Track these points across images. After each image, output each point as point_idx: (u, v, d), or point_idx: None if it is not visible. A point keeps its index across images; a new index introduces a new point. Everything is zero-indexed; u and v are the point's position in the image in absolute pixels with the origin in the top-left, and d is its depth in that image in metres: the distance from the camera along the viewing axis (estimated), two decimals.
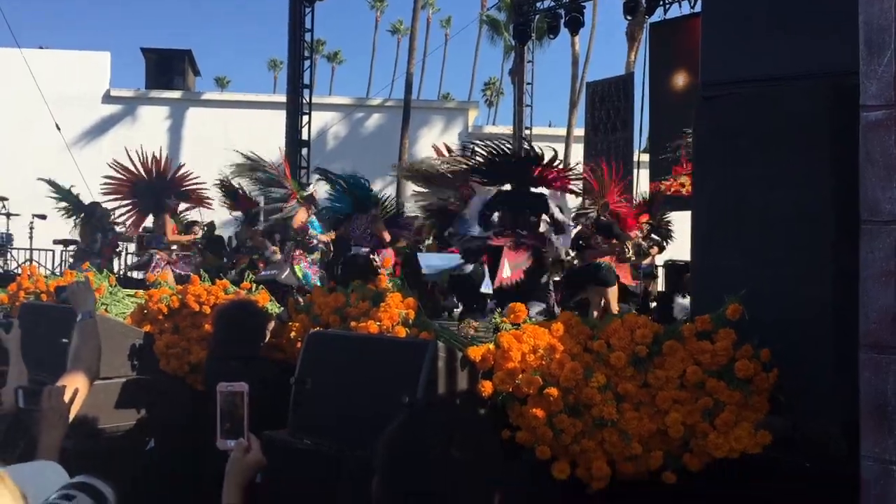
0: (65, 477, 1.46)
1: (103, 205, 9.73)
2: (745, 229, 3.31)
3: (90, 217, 9.73)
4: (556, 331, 3.20)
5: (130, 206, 9.40)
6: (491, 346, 3.16)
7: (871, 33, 2.42)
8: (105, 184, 9.24)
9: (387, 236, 8.41)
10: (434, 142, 24.95)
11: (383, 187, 21.60)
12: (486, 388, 3.09)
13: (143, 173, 9.20)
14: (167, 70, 25.27)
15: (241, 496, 1.82)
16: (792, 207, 3.18)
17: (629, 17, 16.88)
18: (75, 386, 2.38)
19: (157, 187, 9.28)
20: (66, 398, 2.29)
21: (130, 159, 9.17)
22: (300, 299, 4.67)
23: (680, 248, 11.49)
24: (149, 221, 9.94)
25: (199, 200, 9.62)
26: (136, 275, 11.08)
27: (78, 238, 10.26)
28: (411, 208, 9.31)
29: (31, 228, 14.93)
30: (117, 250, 11.26)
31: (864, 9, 2.40)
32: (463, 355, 3.15)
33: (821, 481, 2.82)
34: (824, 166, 3.09)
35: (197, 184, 9.60)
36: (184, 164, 9.70)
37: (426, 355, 3.04)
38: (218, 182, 9.91)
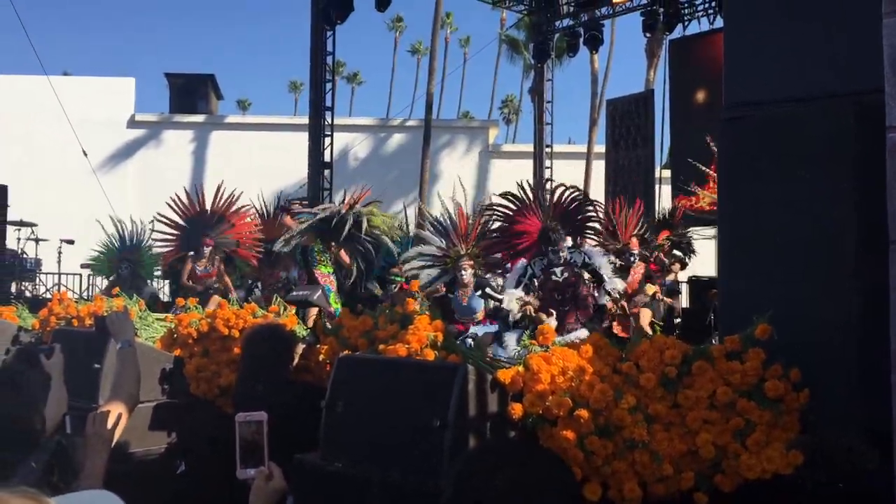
0: (119, 502, 1.49)
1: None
2: (769, 249, 3.32)
3: (121, 264, 9.59)
4: (585, 352, 3.21)
5: (173, 239, 9.32)
6: (520, 368, 3.18)
7: None
8: (171, 207, 9.27)
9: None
10: (456, 160, 24.99)
11: (404, 207, 21.73)
12: (516, 410, 3.11)
13: (190, 211, 9.17)
14: (191, 94, 25.58)
15: None
16: (815, 227, 3.19)
17: (648, 35, 16.91)
18: (118, 412, 2.42)
19: (203, 223, 9.17)
20: (110, 424, 2.34)
21: (189, 196, 9.15)
22: (328, 323, 4.71)
23: (702, 263, 11.47)
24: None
25: (244, 251, 9.38)
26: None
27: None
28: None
29: (60, 253, 15.12)
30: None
31: (888, 32, 2.41)
32: (492, 378, 3.17)
33: (853, 499, 2.80)
34: (847, 186, 3.10)
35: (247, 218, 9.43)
36: (224, 188, 9.45)
37: (456, 378, 3.06)
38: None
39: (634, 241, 9.52)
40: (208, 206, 9.27)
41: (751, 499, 3.04)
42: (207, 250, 8.82)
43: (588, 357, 3.20)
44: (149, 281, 9.74)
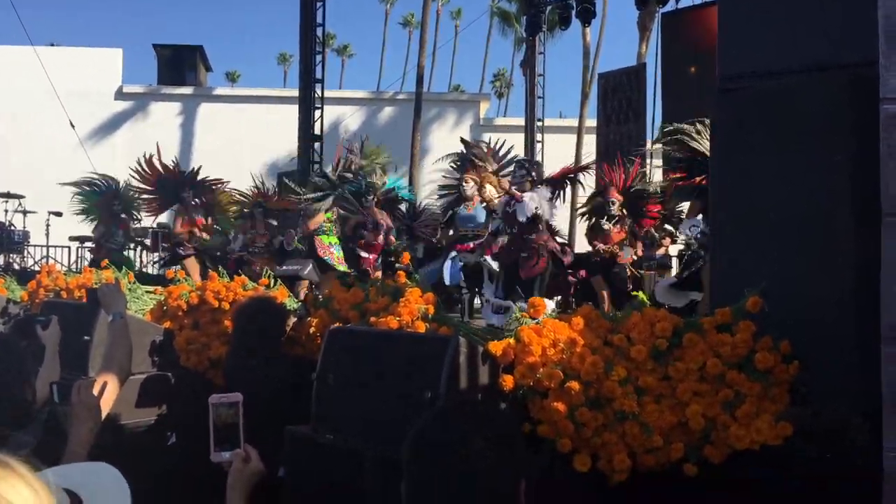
0: (120, 479, 1.48)
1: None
2: (762, 222, 3.31)
3: (114, 201, 9.72)
4: (577, 325, 3.21)
5: (153, 198, 9.54)
6: (511, 340, 3.18)
7: (892, 26, 2.41)
8: (134, 176, 9.42)
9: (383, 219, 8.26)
10: (447, 133, 24.92)
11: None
12: (507, 382, 3.11)
13: (163, 172, 9.36)
14: (179, 66, 25.35)
15: None
16: (810, 200, 3.19)
17: (640, 8, 16.81)
18: (108, 384, 2.41)
19: (176, 183, 9.42)
20: (95, 392, 2.33)
21: (150, 161, 9.29)
22: (319, 295, 4.70)
23: None
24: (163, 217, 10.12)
25: (211, 201, 9.61)
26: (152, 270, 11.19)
27: (92, 233, 10.29)
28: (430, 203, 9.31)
29: (48, 225, 15.04)
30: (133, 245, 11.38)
31: (883, 2, 2.39)
32: (483, 350, 3.17)
33: (842, 473, 2.83)
34: (842, 159, 3.09)
35: (215, 183, 9.66)
36: (200, 167, 9.70)
37: (447, 350, 3.06)
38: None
39: (612, 190, 9.51)
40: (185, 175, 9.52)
41: (739, 469, 3.06)
42: (189, 197, 9.21)
43: (579, 329, 3.21)
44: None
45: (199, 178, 9.52)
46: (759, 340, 3.10)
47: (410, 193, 8.80)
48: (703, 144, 6.69)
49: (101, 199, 9.63)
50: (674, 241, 11.38)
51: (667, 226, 10.92)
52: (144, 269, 12.05)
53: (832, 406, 3.15)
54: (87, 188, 9.71)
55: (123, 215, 9.77)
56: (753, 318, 3.14)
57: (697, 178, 6.76)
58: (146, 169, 9.38)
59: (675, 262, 12.00)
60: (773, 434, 3.00)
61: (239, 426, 1.87)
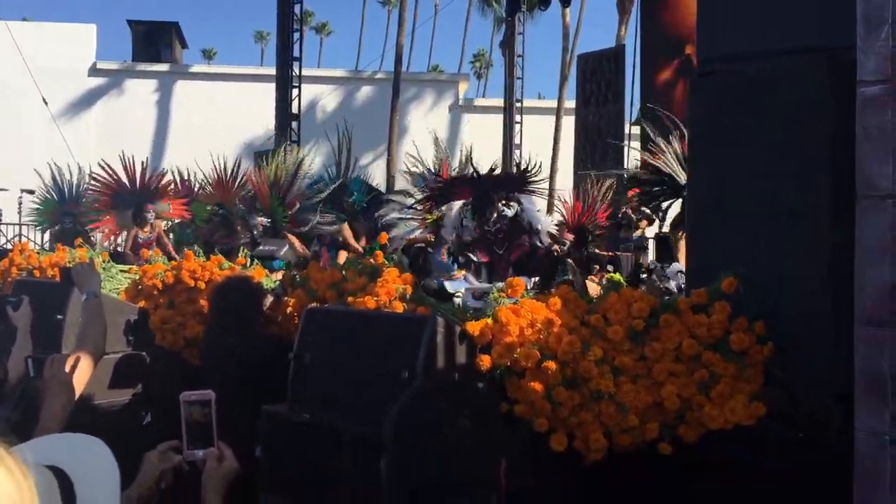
0: (107, 452, 1.46)
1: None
2: (740, 205, 3.33)
3: (64, 218, 9.34)
4: (554, 305, 3.22)
5: (108, 218, 8.82)
6: (489, 320, 3.18)
7: (870, 9, 2.43)
8: (91, 188, 8.83)
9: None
10: (425, 114, 24.81)
11: (374, 159, 21.54)
12: (485, 362, 3.11)
13: (125, 182, 8.62)
14: (154, 42, 24.98)
15: None
16: (788, 183, 3.20)
17: None
18: (82, 362, 2.39)
19: (137, 197, 8.69)
20: (67, 368, 2.31)
21: (113, 169, 8.64)
22: (296, 275, 4.68)
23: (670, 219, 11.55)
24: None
25: (177, 213, 9.09)
26: None
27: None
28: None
29: (20, 204, 14.83)
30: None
31: None
32: (461, 330, 3.17)
33: (815, 453, 2.87)
34: (820, 141, 3.11)
35: (178, 194, 9.10)
36: (166, 172, 9.12)
37: (425, 330, 3.06)
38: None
39: (564, 230, 9.35)
40: (136, 179, 8.72)
41: (713, 449, 3.10)
42: (150, 217, 8.48)
43: (556, 310, 3.22)
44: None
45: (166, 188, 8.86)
46: (734, 322, 3.12)
47: (361, 196, 8.38)
48: (672, 165, 6.72)
49: (53, 211, 9.25)
50: (650, 224, 11.46)
51: (643, 208, 10.99)
52: (119, 249, 11.92)
53: (805, 387, 3.19)
54: (48, 196, 9.36)
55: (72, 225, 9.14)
56: (729, 300, 3.16)
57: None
58: (104, 180, 8.68)
59: (651, 244, 12.11)
60: (746, 414, 3.04)
61: (212, 425, 1.81)
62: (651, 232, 11.59)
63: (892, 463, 2.33)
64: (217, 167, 8.45)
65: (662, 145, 6.73)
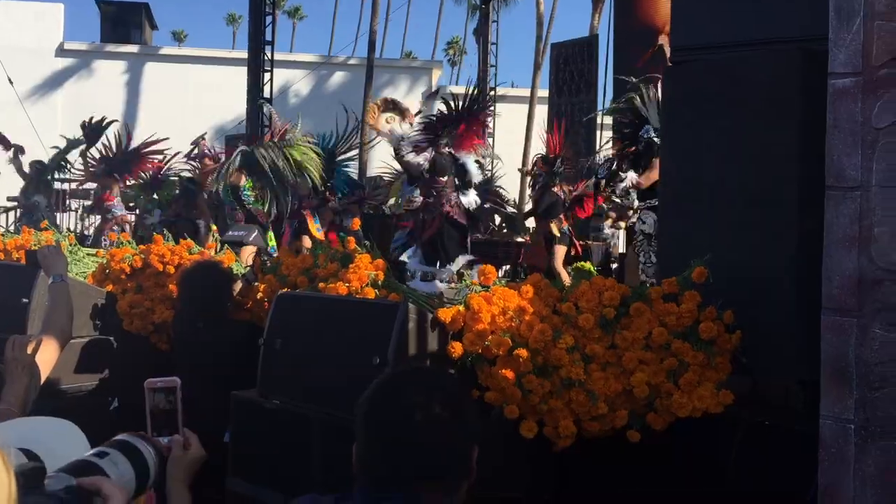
0: (78, 433, 1.43)
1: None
2: (711, 193, 3.35)
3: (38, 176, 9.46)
4: (526, 293, 3.23)
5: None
6: (461, 307, 3.18)
7: (842, 1, 2.44)
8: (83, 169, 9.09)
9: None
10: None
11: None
12: (456, 349, 3.12)
13: (112, 149, 8.94)
14: (123, 23, 24.62)
15: (190, 495, 1.72)
16: (757, 173, 3.23)
17: None
18: (48, 346, 2.35)
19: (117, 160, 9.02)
20: (30, 349, 2.27)
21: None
22: (267, 260, 4.64)
23: None
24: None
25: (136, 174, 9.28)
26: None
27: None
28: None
29: None
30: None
31: None
32: (433, 317, 3.17)
33: (781, 440, 2.91)
34: (789, 132, 3.14)
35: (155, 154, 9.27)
36: (154, 135, 9.34)
37: (397, 316, 3.05)
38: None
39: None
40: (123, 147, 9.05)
41: (680, 436, 3.13)
42: (101, 170, 8.83)
43: (528, 297, 3.22)
44: None
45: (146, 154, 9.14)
46: (703, 311, 3.15)
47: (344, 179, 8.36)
48: (651, 112, 6.78)
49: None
50: (622, 220, 11.55)
51: (614, 198, 11.05)
52: (87, 233, 11.78)
53: (771, 374, 3.23)
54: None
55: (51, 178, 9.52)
56: (698, 289, 3.19)
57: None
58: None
59: (622, 234, 12.19)
60: (714, 402, 3.07)
61: (177, 412, 1.78)
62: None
63: (856, 449, 2.36)
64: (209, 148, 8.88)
65: (642, 88, 6.78)
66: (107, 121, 9.11)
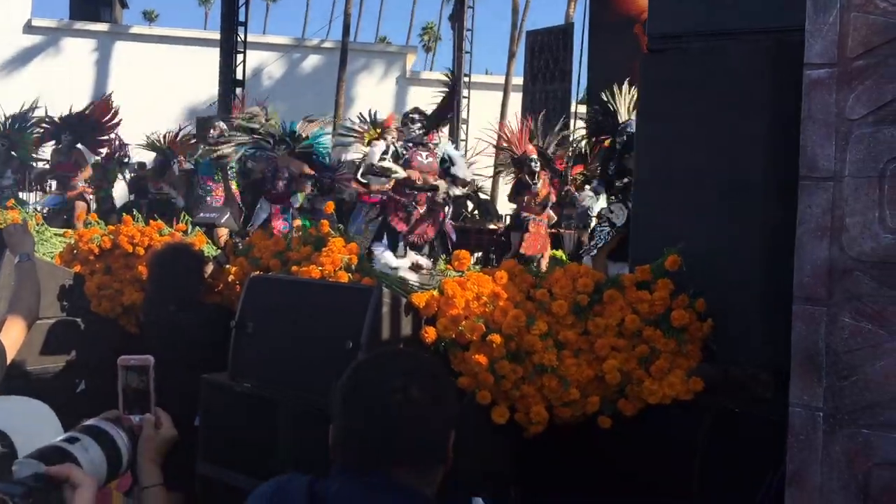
0: (49, 412, 1.41)
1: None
2: (684, 182, 3.37)
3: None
4: (500, 279, 3.23)
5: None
6: (435, 292, 3.18)
7: None
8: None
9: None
10: (373, 85, 24.61)
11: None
12: (430, 334, 3.11)
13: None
14: (93, 1, 24.18)
15: (161, 474, 1.70)
16: (731, 162, 3.25)
17: None
18: (14, 326, 2.31)
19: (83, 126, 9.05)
20: None
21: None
22: (238, 242, 4.60)
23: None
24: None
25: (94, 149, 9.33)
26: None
27: None
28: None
29: None
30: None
31: None
32: (407, 301, 3.16)
33: (750, 427, 2.94)
34: (762, 121, 3.16)
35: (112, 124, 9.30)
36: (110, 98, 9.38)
37: (370, 301, 3.04)
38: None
39: (531, 147, 9.71)
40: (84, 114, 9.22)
41: (650, 422, 3.16)
42: (67, 140, 8.97)
43: (503, 283, 3.22)
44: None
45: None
46: (675, 298, 3.17)
47: (326, 152, 8.43)
48: (621, 109, 6.89)
49: None
50: (597, 195, 11.59)
51: (587, 186, 11.09)
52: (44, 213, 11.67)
53: (740, 362, 3.26)
54: None
55: (13, 153, 9.48)
56: (671, 277, 3.20)
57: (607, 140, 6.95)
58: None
59: (594, 221, 12.25)
60: (684, 389, 3.09)
61: (149, 391, 1.75)
62: (595, 209, 11.73)
63: (824, 436, 2.39)
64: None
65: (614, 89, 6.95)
66: (29, 105, 9.14)
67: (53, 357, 4.78)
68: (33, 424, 1.37)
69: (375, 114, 8.10)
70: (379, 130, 7.56)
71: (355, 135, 7.82)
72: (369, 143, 7.68)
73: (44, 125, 9.38)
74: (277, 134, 7.73)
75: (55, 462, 1.23)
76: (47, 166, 10.28)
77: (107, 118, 9.32)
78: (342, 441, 1.39)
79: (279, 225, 7.22)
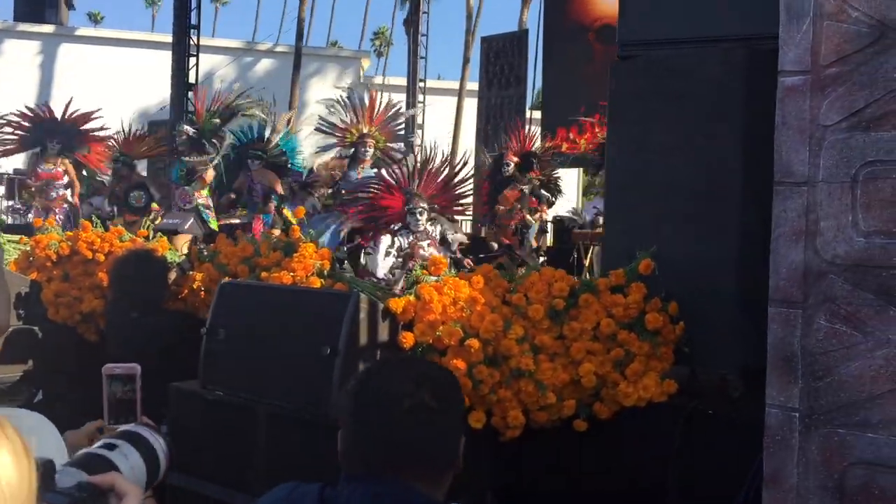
0: (46, 421, 1.35)
1: None
2: (655, 188, 3.41)
3: None
4: (477, 283, 3.23)
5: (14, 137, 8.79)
6: (412, 297, 3.16)
7: (792, 0, 2.51)
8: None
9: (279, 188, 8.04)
10: (327, 89, 24.47)
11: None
12: (407, 339, 3.10)
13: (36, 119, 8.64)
14: (38, 2, 23.61)
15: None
16: (701, 166, 3.30)
17: None
18: None
19: (46, 126, 8.71)
20: None
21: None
22: (203, 248, 4.52)
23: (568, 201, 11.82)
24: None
25: (95, 162, 8.95)
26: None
27: None
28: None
29: None
30: None
31: None
32: (384, 307, 3.14)
33: (724, 428, 2.98)
34: (733, 127, 3.21)
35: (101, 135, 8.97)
36: (100, 110, 9.01)
37: (348, 306, 3.01)
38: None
39: (510, 153, 9.81)
40: (58, 117, 8.82)
41: (625, 425, 3.18)
42: (55, 148, 8.48)
43: (479, 288, 3.22)
44: None
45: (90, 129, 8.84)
46: (649, 302, 3.20)
47: (299, 162, 8.33)
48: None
49: None
50: (550, 206, 11.66)
51: (543, 191, 11.15)
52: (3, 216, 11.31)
53: (712, 364, 3.31)
54: None
55: None
56: (644, 280, 3.24)
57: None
58: (29, 114, 8.70)
59: (550, 226, 12.33)
60: (658, 391, 3.13)
61: (136, 402, 1.70)
62: (550, 214, 11.81)
63: (800, 437, 2.44)
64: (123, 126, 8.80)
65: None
66: None
67: (10, 367, 4.66)
68: (39, 437, 1.32)
69: (354, 96, 7.84)
70: (361, 129, 7.51)
71: (338, 134, 7.70)
72: (352, 146, 7.59)
73: (16, 131, 8.78)
74: (252, 137, 7.82)
75: (98, 470, 1.18)
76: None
77: (92, 128, 8.84)
78: (352, 448, 1.38)
79: (258, 227, 7.26)
